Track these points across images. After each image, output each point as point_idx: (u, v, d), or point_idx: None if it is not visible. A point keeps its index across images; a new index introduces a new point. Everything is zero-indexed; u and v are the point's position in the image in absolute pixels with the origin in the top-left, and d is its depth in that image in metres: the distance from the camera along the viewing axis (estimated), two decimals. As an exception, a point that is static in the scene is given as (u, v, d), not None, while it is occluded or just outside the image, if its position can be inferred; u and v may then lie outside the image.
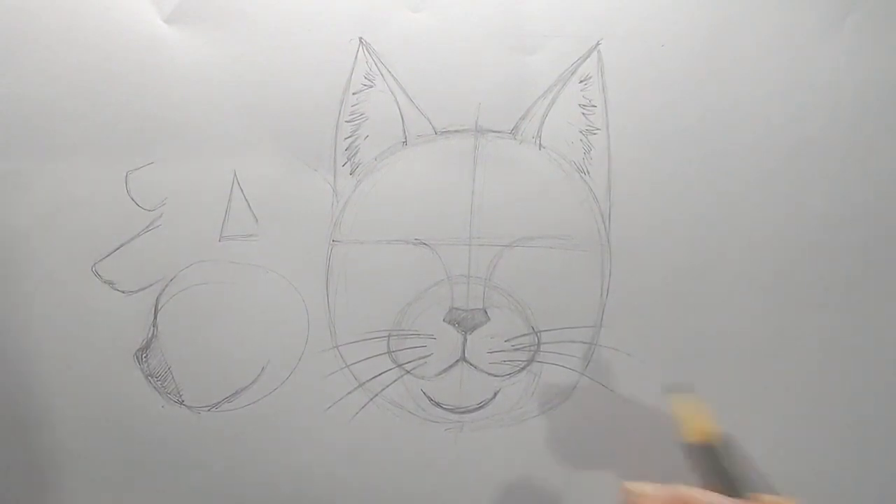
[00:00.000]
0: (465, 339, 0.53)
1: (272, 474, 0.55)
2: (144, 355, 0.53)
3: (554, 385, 0.54)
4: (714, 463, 0.41)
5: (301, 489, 0.55)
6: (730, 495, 0.37)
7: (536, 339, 0.54)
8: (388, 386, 0.54)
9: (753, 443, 0.54)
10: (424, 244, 0.53)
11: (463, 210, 0.53)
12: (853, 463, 0.55)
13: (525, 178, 0.53)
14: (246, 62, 0.52)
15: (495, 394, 0.54)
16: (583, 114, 0.53)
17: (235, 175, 0.53)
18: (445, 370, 0.53)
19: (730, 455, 0.41)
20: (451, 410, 0.54)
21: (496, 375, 0.54)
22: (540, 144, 0.53)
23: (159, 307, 0.53)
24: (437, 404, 0.54)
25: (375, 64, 0.52)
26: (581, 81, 0.53)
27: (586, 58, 0.52)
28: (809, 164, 0.53)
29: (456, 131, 0.53)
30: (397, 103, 0.53)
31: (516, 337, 0.53)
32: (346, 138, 0.53)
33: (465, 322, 0.53)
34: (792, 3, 0.52)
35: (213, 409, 0.54)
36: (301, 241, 0.53)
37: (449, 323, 0.53)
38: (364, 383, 0.54)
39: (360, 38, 0.52)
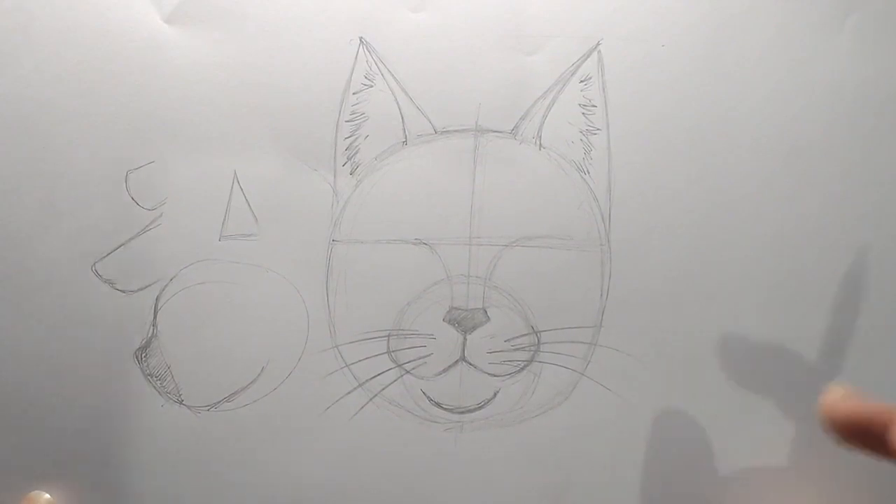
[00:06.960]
0: (465, 339, 0.53)
1: (271, 474, 0.55)
2: (144, 355, 0.53)
3: (554, 385, 0.54)
4: None
5: (300, 489, 0.55)
6: None
7: (536, 339, 0.54)
8: (387, 386, 0.54)
9: (753, 443, 0.54)
10: (424, 244, 0.53)
11: (463, 210, 0.53)
12: (853, 462, 0.55)
13: (525, 178, 0.53)
14: (246, 62, 0.52)
15: (495, 394, 0.54)
16: (583, 114, 0.53)
17: (235, 175, 0.53)
18: (445, 370, 0.53)
19: None
20: (451, 410, 0.54)
21: (496, 375, 0.54)
22: (540, 144, 0.53)
23: (159, 307, 0.53)
24: (437, 404, 0.54)
25: (375, 64, 0.52)
26: (581, 81, 0.53)
27: (586, 58, 0.52)
28: (810, 163, 0.53)
29: (456, 131, 0.53)
30: (397, 103, 0.53)
31: (516, 337, 0.53)
32: (346, 138, 0.53)
33: (464, 322, 0.53)
34: (792, 3, 0.52)
35: (213, 409, 0.54)
36: (301, 240, 0.53)
37: (449, 323, 0.53)
38: (364, 383, 0.54)
39: (360, 38, 0.52)
